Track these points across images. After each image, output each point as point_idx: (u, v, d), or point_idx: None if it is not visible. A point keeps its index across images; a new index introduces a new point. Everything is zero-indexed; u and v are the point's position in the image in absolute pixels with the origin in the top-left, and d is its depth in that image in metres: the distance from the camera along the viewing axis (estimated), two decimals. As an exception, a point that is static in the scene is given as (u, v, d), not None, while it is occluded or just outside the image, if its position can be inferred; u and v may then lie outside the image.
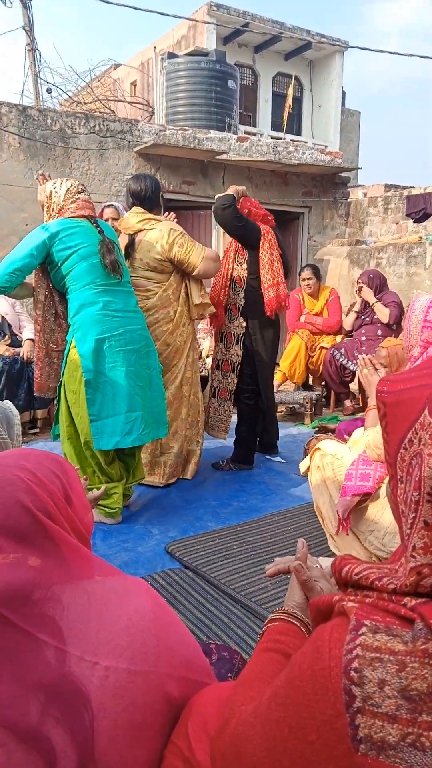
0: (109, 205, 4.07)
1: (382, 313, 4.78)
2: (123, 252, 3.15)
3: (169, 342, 3.18)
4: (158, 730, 0.79)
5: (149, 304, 3.11)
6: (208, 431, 3.64)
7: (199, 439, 3.42)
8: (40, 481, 0.85)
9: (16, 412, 1.58)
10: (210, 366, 3.87)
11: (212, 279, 3.47)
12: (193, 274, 3.13)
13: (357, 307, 5.04)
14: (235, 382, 3.52)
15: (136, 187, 3.14)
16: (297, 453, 3.83)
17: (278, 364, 5.35)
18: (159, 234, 3.06)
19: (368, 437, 2.26)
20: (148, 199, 3.14)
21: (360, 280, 5.00)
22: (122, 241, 3.20)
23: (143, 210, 3.15)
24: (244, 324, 3.46)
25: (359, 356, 2.53)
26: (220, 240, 7.76)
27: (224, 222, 3.35)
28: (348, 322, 5.12)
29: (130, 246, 3.13)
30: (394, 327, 4.78)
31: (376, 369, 2.42)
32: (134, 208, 3.16)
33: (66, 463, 0.95)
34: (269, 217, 3.54)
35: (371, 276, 4.93)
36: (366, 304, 4.97)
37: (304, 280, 5.37)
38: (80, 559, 0.85)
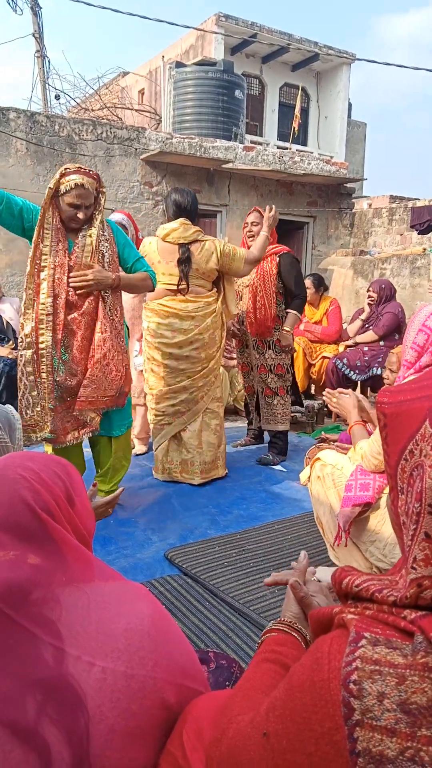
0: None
1: (370, 336, 4.86)
2: (176, 260, 3.27)
3: (220, 346, 3.46)
4: (154, 737, 0.79)
5: (212, 308, 3.37)
6: (271, 427, 3.96)
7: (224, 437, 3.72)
8: (43, 482, 0.85)
9: (18, 416, 1.58)
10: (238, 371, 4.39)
11: (258, 294, 3.80)
12: (238, 275, 3.45)
13: (364, 315, 5.04)
14: (290, 380, 3.95)
15: (182, 201, 3.31)
16: (298, 462, 3.82)
17: None
18: (212, 245, 3.30)
19: (363, 448, 2.25)
20: (192, 211, 3.34)
21: (371, 289, 5.00)
22: (169, 249, 3.26)
23: (188, 221, 3.31)
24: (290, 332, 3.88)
25: (324, 393, 2.59)
26: (225, 248, 7.78)
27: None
28: (353, 329, 5.12)
29: (187, 255, 3.26)
30: (396, 337, 4.78)
31: (341, 393, 2.50)
32: (181, 219, 3.30)
33: (70, 466, 0.95)
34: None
35: (383, 286, 4.93)
36: (371, 313, 4.97)
37: None
38: (81, 561, 0.85)
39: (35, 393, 2.60)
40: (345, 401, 2.49)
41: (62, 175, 2.51)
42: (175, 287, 3.29)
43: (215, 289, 3.44)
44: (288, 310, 3.83)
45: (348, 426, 2.49)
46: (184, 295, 3.30)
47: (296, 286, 3.80)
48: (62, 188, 2.50)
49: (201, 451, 3.44)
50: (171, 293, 3.31)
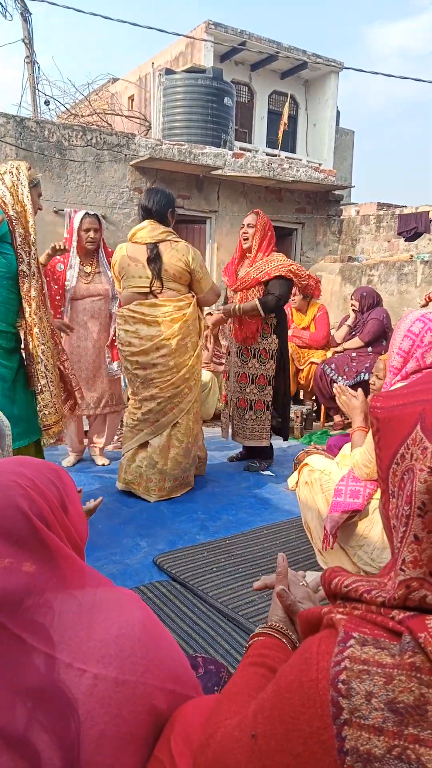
0: (92, 214, 3.71)
1: (357, 343, 4.94)
2: (145, 260, 3.15)
3: (198, 354, 3.27)
4: (144, 742, 0.79)
5: (188, 313, 3.19)
6: (242, 441, 3.86)
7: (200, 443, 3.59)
8: (37, 488, 0.85)
9: (7, 423, 1.57)
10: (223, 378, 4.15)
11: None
12: (198, 296, 3.28)
13: (350, 321, 5.08)
14: (272, 393, 3.74)
15: (147, 202, 3.22)
16: (287, 467, 3.83)
17: None
18: (186, 248, 3.19)
19: (356, 457, 2.26)
20: (159, 211, 3.21)
21: (353, 297, 5.04)
22: (138, 250, 3.17)
23: (157, 222, 3.21)
24: (278, 341, 3.71)
25: (335, 385, 2.57)
26: (214, 254, 7.80)
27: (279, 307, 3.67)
28: (339, 335, 5.17)
29: (156, 255, 3.15)
30: (384, 343, 4.82)
31: (353, 395, 2.47)
32: (147, 221, 3.22)
33: (64, 472, 0.95)
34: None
35: (364, 294, 4.96)
36: (357, 320, 5.02)
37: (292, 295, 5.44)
38: (73, 568, 0.85)
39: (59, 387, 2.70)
40: (354, 403, 2.48)
41: (29, 168, 2.58)
42: (146, 289, 3.15)
43: (190, 294, 3.27)
44: (257, 300, 3.55)
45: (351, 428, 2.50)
46: (156, 297, 3.15)
47: (277, 288, 3.56)
48: (35, 179, 2.58)
49: (164, 469, 3.23)
50: (141, 297, 3.16)
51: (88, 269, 3.68)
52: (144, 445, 3.27)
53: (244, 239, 3.69)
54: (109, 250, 3.84)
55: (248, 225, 3.68)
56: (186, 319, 3.16)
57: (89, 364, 3.71)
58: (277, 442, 4.67)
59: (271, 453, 3.96)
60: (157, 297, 3.17)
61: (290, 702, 0.58)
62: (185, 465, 3.30)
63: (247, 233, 3.68)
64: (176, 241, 3.19)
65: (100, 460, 3.91)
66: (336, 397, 2.54)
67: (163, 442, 3.22)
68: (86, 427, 3.97)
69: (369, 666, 0.54)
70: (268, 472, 3.82)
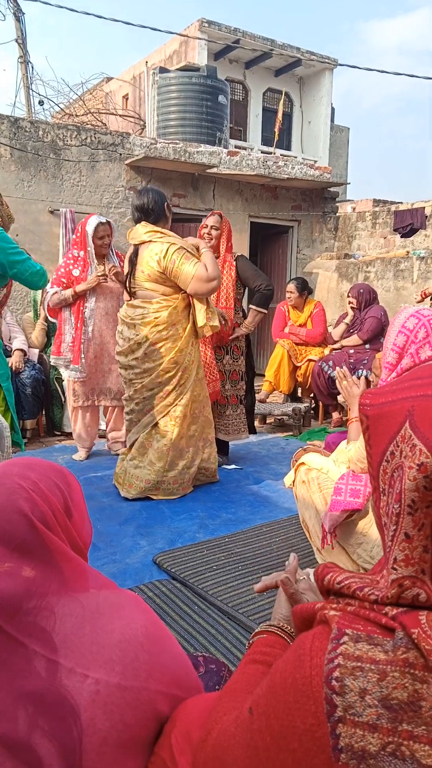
0: (105, 222, 3.81)
1: (355, 341, 4.95)
2: (127, 262, 3.26)
3: (178, 360, 3.14)
4: (147, 748, 0.78)
5: (160, 319, 3.11)
6: (225, 438, 3.85)
7: (211, 455, 3.50)
8: (41, 492, 0.85)
9: (6, 423, 1.58)
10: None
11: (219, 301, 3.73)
12: (187, 291, 3.14)
13: (348, 319, 5.08)
14: (245, 388, 3.87)
15: (139, 202, 3.21)
16: (285, 465, 3.84)
17: (263, 374, 5.48)
18: (160, 247, 3.08)
19: (351, 452, 2.26)
20: (151, 211, 3.19)
21: (350, 294, 5.04)
22: (130, 252, 3.28)
23: (149, 223, 3.21)
24: (245, 336, 3.88)
25: (337, 369, 2.57)
26: (210, 252, 7.78)
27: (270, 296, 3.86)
28: (337, 333, 5.17)
29: (134, 257, 3.20)
30: (382, 340, 4.83)
31: (354, 382, 2.45)
32: (141, 222, 3.22)
33: (70, 476, 0.94)
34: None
35: (361, 291, 4.96)
36: (355, 317, 5.02)
37: (287, 292, 5.46)
38: (76, 571, 0.85)
39: None
40: (354, 391, 2.46)
41: None
42: (129, 291, 3.26)
43: (174, 297, 3.15)
44: (250, 306, 3.75)
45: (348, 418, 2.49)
46: (135, 298, 3.21)
47: (256, 278, 3.73)
48: None
49: (140, 466, 3.22)
50: (129, 298, 3.28)
51: (100, 269, 3.84)
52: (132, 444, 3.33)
53: (209, 240, 3.70)
54: (120, 254, 4.05)
55: (212, 227, 3.71)
56: (157, 324, 3.10)
57: (105, 359, 3.92)
58: (278, 440, 4.68)
59: (227, 449, 4.00)
60: (135, 298, 3.22)
61: (285, 699, 0.58)
62: (159, 468, 3.20)
63: (211, 234, 3.70)
64: (157, 241, 3.11)
65: None
66: (337, 382, 2.53)
67: (143, 441, 3.25)
68: (102, 425, 4.16)
69: (362, 663, 0.54)
70: (233, 466, 3.86)
